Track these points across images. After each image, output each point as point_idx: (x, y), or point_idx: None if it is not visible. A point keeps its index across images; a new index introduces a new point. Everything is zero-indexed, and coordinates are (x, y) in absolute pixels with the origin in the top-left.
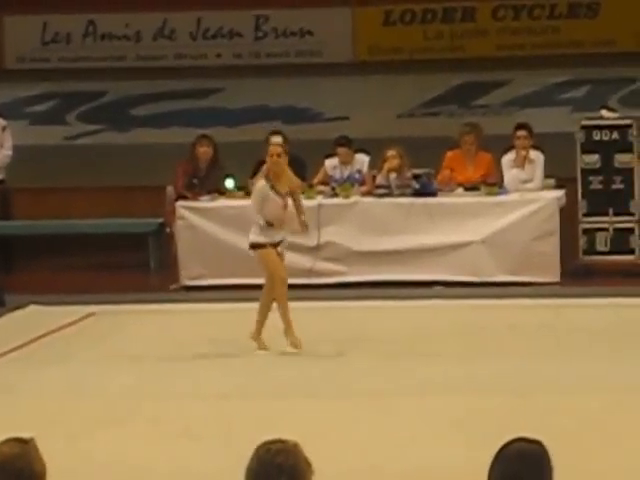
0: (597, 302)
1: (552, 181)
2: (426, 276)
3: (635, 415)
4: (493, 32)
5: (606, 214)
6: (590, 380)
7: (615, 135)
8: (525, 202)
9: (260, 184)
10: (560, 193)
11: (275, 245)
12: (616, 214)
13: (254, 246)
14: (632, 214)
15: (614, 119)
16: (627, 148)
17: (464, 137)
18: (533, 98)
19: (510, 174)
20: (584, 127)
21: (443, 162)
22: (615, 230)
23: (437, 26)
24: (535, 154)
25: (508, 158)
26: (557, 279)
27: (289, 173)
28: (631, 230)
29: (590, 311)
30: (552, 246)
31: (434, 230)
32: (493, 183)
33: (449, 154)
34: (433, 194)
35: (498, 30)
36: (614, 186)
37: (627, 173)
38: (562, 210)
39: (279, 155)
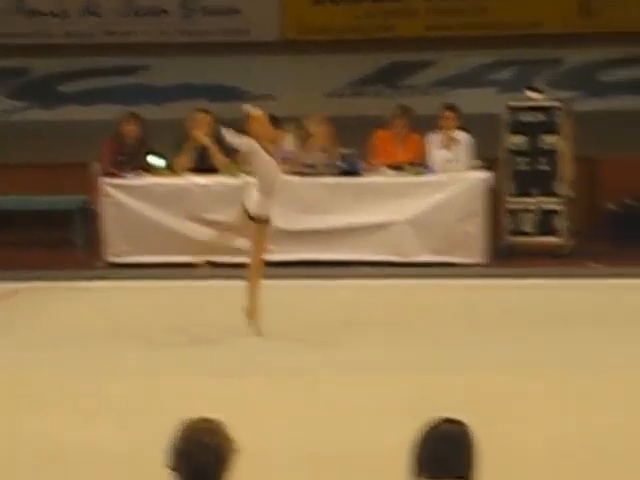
0: (521, 283)
1: (478, 162)
2: (352, 256)
3: (556, 395)
4: (422, 12)
5: (532, 195)
6: (512, 360)
7: (541, 116)
8: (450, 182)
9: (250, 141)
10: (486, 174)
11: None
12: (542, 195)
13: (259, 219)
14: (557, 195)
15: (540, 100)
16: (553, 129)
17: (395, 120)
18: (460, 79)
19: (436, 154)
20: (511, 108)
21: (373, 142)
22: (540, 211)
23: (366, 5)
24: (462, 135)
25: (435, 138)
26: (482, 260)
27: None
28: (556, 211)
29: (514, 292)
30: (477, 227)
31: (360, 210)
32: (419, 163)
33: (379, 133)
34: (359, 174)
35: (427, 10)
36: (540, 167)
37: (553, 154)
38: (488, 191)
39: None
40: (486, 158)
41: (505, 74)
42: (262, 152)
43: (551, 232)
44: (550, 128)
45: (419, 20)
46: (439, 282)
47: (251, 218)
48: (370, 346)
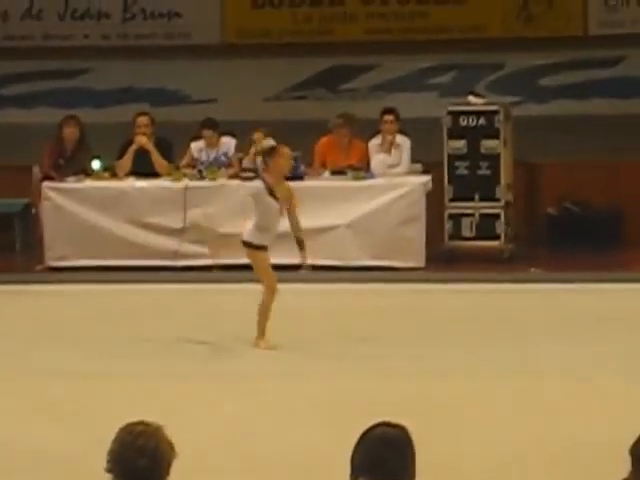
0: (462, 287)
1: (419, 166)
2: (293, 260)
3: (494, 399)
4: (362, 16)
5: (472, 199)
6: (452, 364)
7: (482, 121)
8: (391, 187)
9: (256, 184)
10: (426, 178)
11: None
12: (482, 200)
13: (247, 245)
14: (498, 200)
15: (481, 105)
16: (493, 134)
17: (337, 129)
18: (401, 83)
19: (377, 159)
20: (451, 112)
21: (316, 149)
22: (481, 215)
23: (306, 9)
24: (402, 139)
25: (375, 143)
26: (422, 264)
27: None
28: (497, 216)
29: (454, 296)
30: (417, 231)
31: (300, 214)
32: (359, 168)
33: (322, 140)
34: (300, 178)
35: (367, 14)
36: (480, 172)
37: (493, 159)
38: (428, 195)
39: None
40: (426, 162)
41: (445, 78)
42: (267, 198)
43: (491, 236)
44: (490, 132)
45: (359, 24)
46: (379, 286)
47: (243, 243)
48: (309, 350)
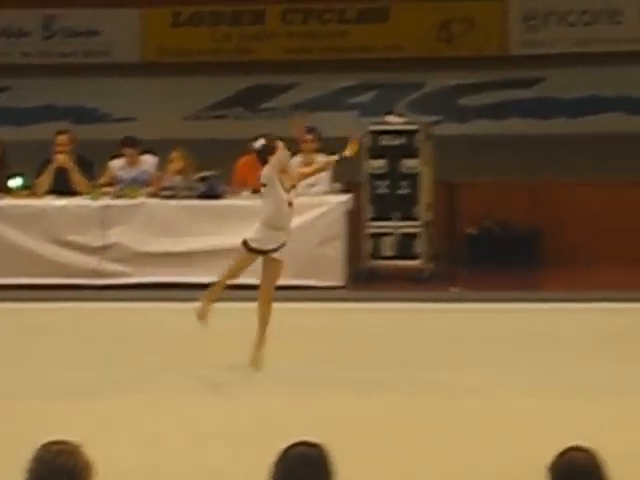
0: (381, 306)
1: (338, 185)
2: (210, 278)
3: (415, 419)
4: (282, 35)
5: (392, 219)
6: (369, 384)
7: (401, 140)
8: (310, 206)
9: (267, 171)
10: (346, 197)
11: (267, 252)
12: (402, 219)
13: (243, 243)
14: (417, 219)
15: (401, 124)
16: (413, 153)
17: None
18: (321, 102)
19: None
20: (371, 132)
21: (236, 168)
22: (400, 235)
23: (225, 28)
24: (322, 158)
25: (295, 162)
26: (342, 283)
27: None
28: (416, 235)
29: (373, 315)
30: (337, 250)
31: (220, 232)
32: None
33: (242, 159)
34: (219, 196)
35: (287, 33)
36: (400, 191)
37: (413, 178)
38: (348, 214)
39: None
40: (347, 181)
41: (365, 97)
42: (278, 186)
43: (411, 256)
44: (410, 152)
45: (279, 43)
46: (299, 305)
47: (251, 250)
48: (224, 368)
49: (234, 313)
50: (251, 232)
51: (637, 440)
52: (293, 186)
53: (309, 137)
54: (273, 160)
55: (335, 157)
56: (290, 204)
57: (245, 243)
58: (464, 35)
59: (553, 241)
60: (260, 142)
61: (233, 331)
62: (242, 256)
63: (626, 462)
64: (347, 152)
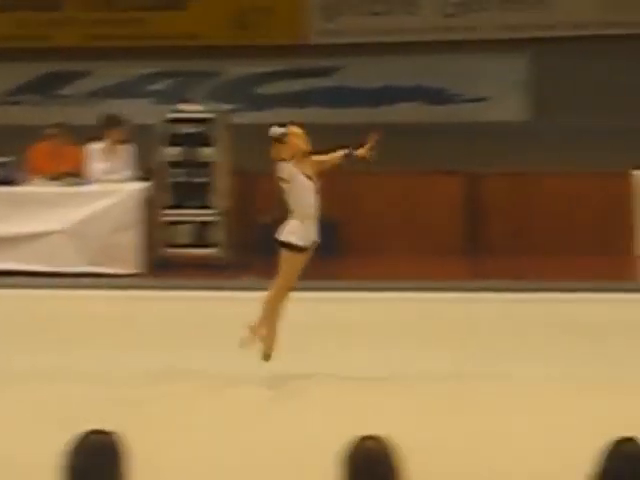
0: (176, 294)
1: (136, 173)
2: (6, 265)
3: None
4: (81, 22)
5: (188, 207)
6: (156, 369)
7: (198, 128)
8: (106, 193)
9: (286, 165)
10: (142, 185)
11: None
12: (198, 207)
13: (285, 245)
14: (213, 208)
15: (197, 112)
16: (209, 142)
17: (52, 138)
18: (117, 89)
19: (95, 166)
20: (167, 120)
21: (30, 155)
22: (197, 223)
23: (24, 14)
24: (123, 146)
25: (94, 149)
26: (137, 271)
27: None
28: (212, 223)
29: (169, 303)
30: (132, 238)
31: (14, 219)
32: (75, 174)
33: (37, 146)
34: (14, 182)
35: (86, 20)
36: (196, 179)
37: (209, 167)
38: (144, 202)
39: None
40: (144, 169)
41: (162, 85)
42: (300, 177)
43: (207, 244)
44: (206, 140)
45: (77, 30)
46: (93, 293)
47: (297, 250)
48: (26, 355)
49: (33, 300)
50: (284, 232)
51: None
52: (319, 168)
53: (111, 124)
54: (289, 149)
55: (345, 151)
56: (318, 192)
57: (288, 245)
58: (262, 24)
59: (349, 230)
60: (279, 130)
61: (29, 317)
62: (298, 262)
63: None
64: (360, 152)
